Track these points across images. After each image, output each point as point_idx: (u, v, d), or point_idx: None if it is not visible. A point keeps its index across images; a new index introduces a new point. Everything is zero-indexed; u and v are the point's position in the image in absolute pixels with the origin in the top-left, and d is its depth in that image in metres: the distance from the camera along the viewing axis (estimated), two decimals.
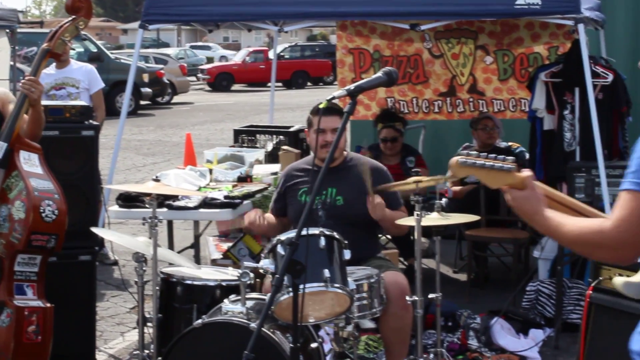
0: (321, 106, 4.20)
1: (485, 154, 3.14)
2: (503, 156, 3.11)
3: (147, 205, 6.46)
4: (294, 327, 4.03)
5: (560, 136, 8.44)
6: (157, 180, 6.05)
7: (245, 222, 6.30)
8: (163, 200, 7.33)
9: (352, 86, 3.94)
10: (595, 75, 7.96)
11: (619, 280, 3.45)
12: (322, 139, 6.18)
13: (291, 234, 4.95)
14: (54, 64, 9.64)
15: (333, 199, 6.23)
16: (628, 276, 3.49)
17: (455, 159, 3.13)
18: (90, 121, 6.65)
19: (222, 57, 55.61)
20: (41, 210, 5.53)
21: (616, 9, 10.67)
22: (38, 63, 5.92)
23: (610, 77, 8.19)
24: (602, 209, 6.80)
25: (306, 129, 6.61)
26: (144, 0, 8.11)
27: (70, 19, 6.16)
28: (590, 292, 5.71)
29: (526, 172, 3.16)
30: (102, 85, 9.88)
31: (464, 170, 3.14)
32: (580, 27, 7.39)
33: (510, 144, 10.06)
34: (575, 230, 3.05)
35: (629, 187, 2.94)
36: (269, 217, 6.44)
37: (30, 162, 5.70)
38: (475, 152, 3.13)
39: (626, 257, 3.01)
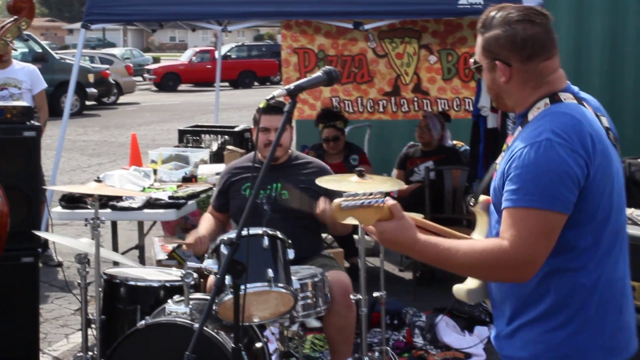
0: (260, 106, 4.21)
1: (362, 192, 3.05)
2: (369, 192, 3.04)
3: (89, 207, 6.42)
4: (236, 327, 4.02)
5: (504, 135, 8.49)
6: (99, 181, 6.00)
7: (184, 248, 6.25)
8: (107, 201, 7.29)
9: (291, 85, 3.93)
10: None
11: (461, 290, 3.41)
12: (266, 138, 6.19)
13: (234, 233, 4.94)
14: None
15: (278, 193, 6.23)
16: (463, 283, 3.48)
17: (336, 201, 3.06)
18: (32, 122, 6.59)
19: None
20: None
21: (559, 8, 10.76)
22: None
23: None
24: None
25: (252, 127, 6.60)
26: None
27: (12, 19, 6.11)
28: None
29: (391, 201, 3.08)
30: (45, 85, 9.79)
31: (342, 214, 3.06)
32: None
33: (454, 142, 10.12)
34: (474, 254, 3.03)
35: (521, 205, 2.97)
36: (208, 227, 6.36)
37: None
38: (354, 192, 3.05)
39: (527, 275, 3.04)
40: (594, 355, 3.15)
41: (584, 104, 3.17)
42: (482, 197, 3.39)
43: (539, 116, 3.12)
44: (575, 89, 3.23)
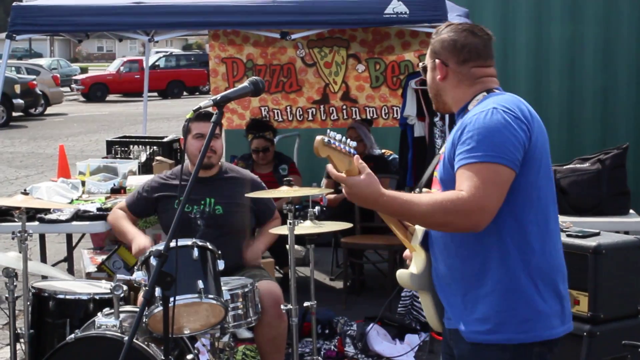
0: (187, 117, 4.20)
1: (345, 138, 3.31)
2: (345, 138, 3.31)
3: (16, 219, 6.34)
4: (165, 339, 4.00)
5: (431, 143, 8.56)
6: (26, 193, 5.94)
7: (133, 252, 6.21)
8: (35, 214, 7.21)
9: (218, 96, 3.94)
10: None
11: (405, 274, 3.59)
12: (201, 144, 6.13)
13: (163, 245, 4.92)
14: None
15: (212, 208, 6.23)
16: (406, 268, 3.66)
17: (320, 137, 3.28)
18: None
19: None
20: None
21: (484, 17, 10.90)
22: None
23: None
24: None
25: (182, 138, 6.56)
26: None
27: None
28: None
29: (358, 159, 3.32)
30: None
31: (325, 149, 3.28)
32: None
33: (383, 151, 10.17)
34: (431, 202, 3.30)
35: (475, 161, 3.28)
36: (137, 232, 6.35)
37: None
38: (335, 134, 3.30)
39: (483, 222, 3.28)
40: (550, 319, 3.42)
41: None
42: (425, 190, 3.61)
43: (480, 102, 3.50)
44: (505, 92, 3.59)
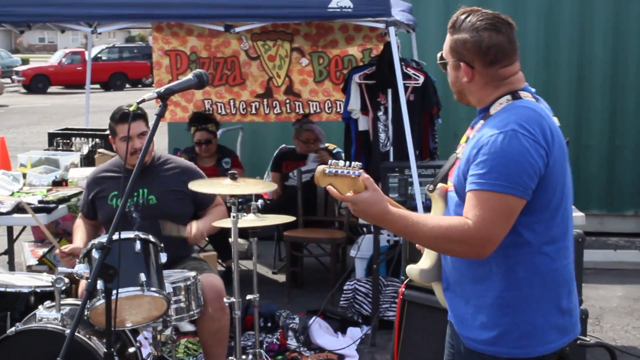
0: (131, 109, 4.19)
1: (344, 162, 3.27)
2: (349, 162, 3.25)
3: None
4: (108, 332, 3.99)
5: (375, 137, 8.60)
6: None
7: (57, 253, 6.16)
8: None
9: (162, 89, 3.93)
10: (406, 77, 8.16)
11: (414, 269, 3.62)
12: (131, 146, 6.11)
13: (105, 237, 4.90)
14: None
15: (146, 199, 6.19)
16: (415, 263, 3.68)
17: (320, 167, 3.25)
18: None
19: None
20: None
21: (428, 12, 10.97)
22: None
23: (422, 79, 8.41)
24: (414, 208, 6.99)
25: (110, 137, 6.49)
26: None
27: None
28: (403, 289, 5.86)
29: (365, 175, 3.29)
30: None
31: (326, 179, 3.25)
32: (391, 30, 7.55)
33: (327, 145, 10.21)
34: (436, 227, 3.28)
35: (486, 189, 3.23)
36: (82, 236, 6.31)
37: None
38: (337, 162, 3.25)
39: (486, 252, 3.28)
40: (549, 334, 3.42)
41: (540, 102, 3.49)
42: (440, 185, 3.60)
43: (503, 110, 3.40)
44: (532, 89, 3.52)
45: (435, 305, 5.27)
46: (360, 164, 3.27)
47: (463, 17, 3.49)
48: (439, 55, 3.62)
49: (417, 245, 3.74)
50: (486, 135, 3.30)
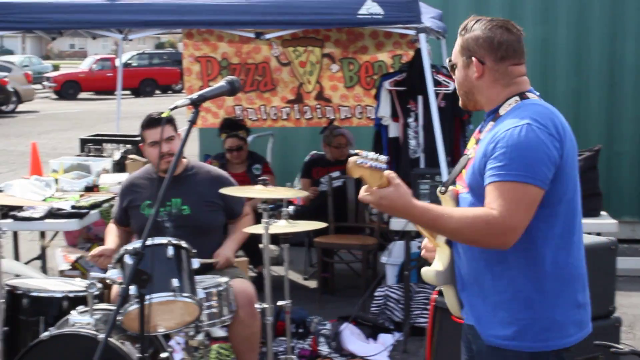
0: (163, 115, 4.20)
1: (374, 153, 3.30)
2: (377, 155, 3.29)
3: None
4: (141, 337, 4.01)
5: (405, 144, 8.59)
6: None
7: (88, 258, 6.20)
8: (7, 211, 7.18)
9: (194, 95, 3.94)
10: (437, 83, 8.14)
11: (430, 272, 3.64)
12: (158, 151, 6.12)
13: (138, 243, 4.91)
14: None
15: (179, 209, 6.20)
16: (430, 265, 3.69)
17: (353, 158, 3.29)
18: None
19: None
20: None
21: (457, 19, 10.82)
22: None
23: (452, 86, 8.37)
24: None
25: (141, 144, 6.54)
26: None
27: None
28: (435, 295, 5.84)
29: (387, 171, 3.33)
30: None
31: (358, 170, 3.30)
32: (422, 37, 7.54)
33: (357, 150, 10.19)
34: (462, 218, 3.32)
35: (507, 179, 3.29)
36: (114, 239, 6.34)
37: None
38: (367, 153, 3.29)
39: (511, 241, 3.32)
40: (567, 328, 3.47)
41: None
42: (452, 187, 3.63)
43: (513, 109, 3.47)
44: (537, 92, 3.59)
45: None
46: (387, 157, 3.31)
47: (475, 21, 3.62)
48: (447, 59, 3.72)
49: (422, 252, 3.80)
50: (502, 130, 3.38)
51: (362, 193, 3.37)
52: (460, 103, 3.71)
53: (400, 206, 3.35)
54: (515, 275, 3.43)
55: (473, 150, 3.55)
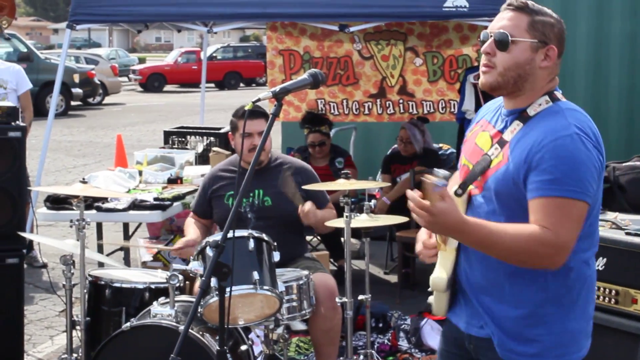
0: (246, 108, 4.18)
1: (445, 172, 3.17)
2: (447, 173, 3.18)
3: (75, 208, 6.42)
4: (221, 330, 4.01)
5: None
6: (84, 182, 5.98)
7: (173, 252, 6.24)
8: (92, 202, 7.27)
9: (277, 88, 3.92)
10: None
11: (440, 281, 3.48)
12: (250, 143, 6.16)
13: (219, 235, 4.92)
14: None
15: (261, 200, 6.22)
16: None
17: (430, 182, 3.08)
18: (18, 122, 6.55)
19: None
20: None
21: (577, 13, 10.75)
22: None
23: None
24: None
25: (230, 133, 6.58)
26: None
27: None
28: None
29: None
30: (30, 86, 9.71)
31: (434, 195, 3.09)
32: None
33: (440, 145, 10.13)
34: (521, 239, 3.13)
35: (559, 195, 3.11)
36: (194, 231, 6.35)
37: None
38: (437, 173, 3.13)
39: (562, 260, 3.17)
40: (580, 340, 3.37)
41: None
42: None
43: (547, 113, 3.26)
44: (560, 90, 3.39)
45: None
46: (447, 173, 3.17)
47: (534, 3, 3.36)
48: (502, 31, 3.34)
49: (419, 249, 3.61)
50: (547, 139, 3.16)
51: (416, 210, 3.12)
52: (487, 80, 3.36)
53: (453, 221, 3.11)
54: (536, 289, 3.28)
55: (496, 151, 3.32)
